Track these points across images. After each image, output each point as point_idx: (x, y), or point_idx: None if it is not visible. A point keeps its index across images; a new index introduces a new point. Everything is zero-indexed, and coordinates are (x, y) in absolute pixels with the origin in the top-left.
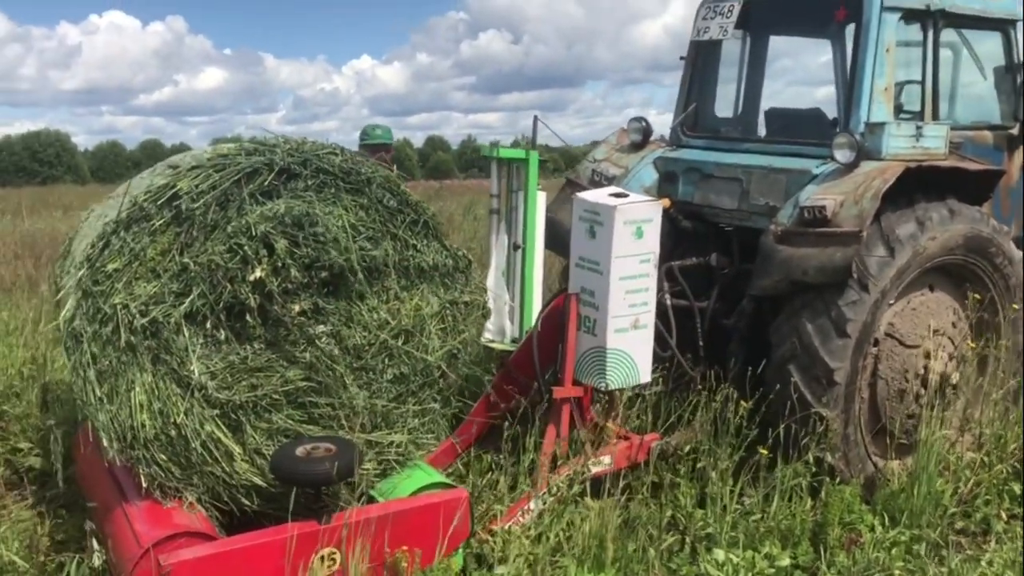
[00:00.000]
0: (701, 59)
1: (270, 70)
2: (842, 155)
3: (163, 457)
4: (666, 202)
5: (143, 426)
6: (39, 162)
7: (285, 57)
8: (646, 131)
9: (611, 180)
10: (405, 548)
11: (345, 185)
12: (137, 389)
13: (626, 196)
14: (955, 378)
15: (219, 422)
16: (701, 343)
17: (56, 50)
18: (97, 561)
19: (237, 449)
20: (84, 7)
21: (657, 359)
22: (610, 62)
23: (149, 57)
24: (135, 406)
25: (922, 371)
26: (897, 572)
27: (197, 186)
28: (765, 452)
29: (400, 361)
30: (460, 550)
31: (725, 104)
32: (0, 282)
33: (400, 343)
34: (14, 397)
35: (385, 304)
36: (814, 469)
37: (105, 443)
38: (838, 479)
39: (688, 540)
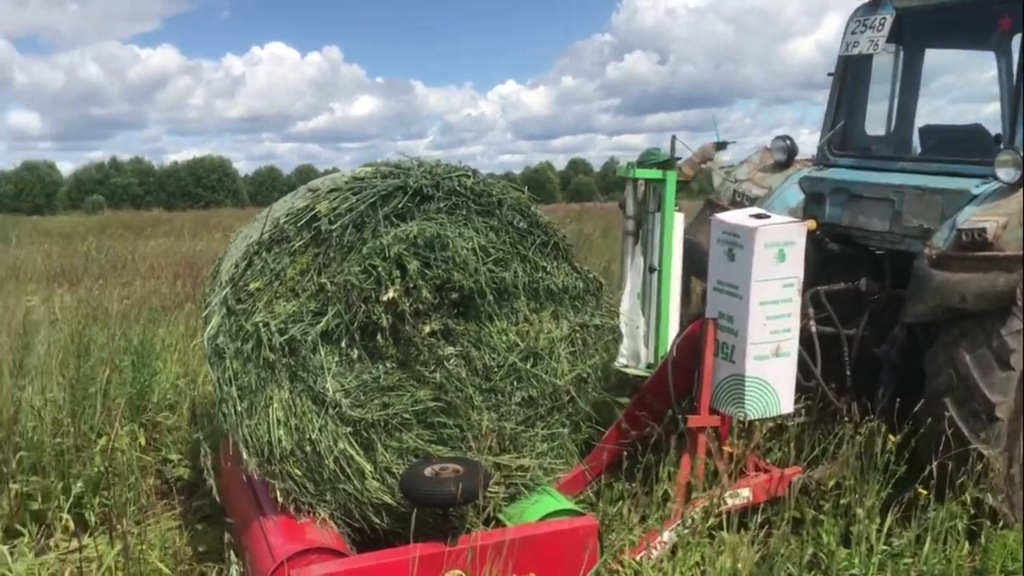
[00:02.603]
0: (850, 75)
1: (419, 97)
2: (1006, 174)
3: (298, 472)
4: (812, 224)
5: (280, 441)
6: (203, 187)
7: (434, 85)
8: (791, 150)
9: (753, 201)
10: (533, 574)
11: (476, 207)
12: (275, 405)
13: (768, 217)
14: None
15: (351, 439)
16: (848, 372)
17: (222, 81)
18: (235, 573)
19: (368, 467)
20: (248, 39)
21: (800, 389)
22: (760, 81)
23: (307, 86)
24: (273, 422)
25: None
26: None
27: (335, 208)
28: (923, 492)
29: (529, 384)
30: None
31: (876, 121)
32: (161, 300)
33: (529, 366)
34: (167, 409)
35: (514, 326)
36: (972, 511)
37: (244, 457)
38: (1000, 523)
39: None
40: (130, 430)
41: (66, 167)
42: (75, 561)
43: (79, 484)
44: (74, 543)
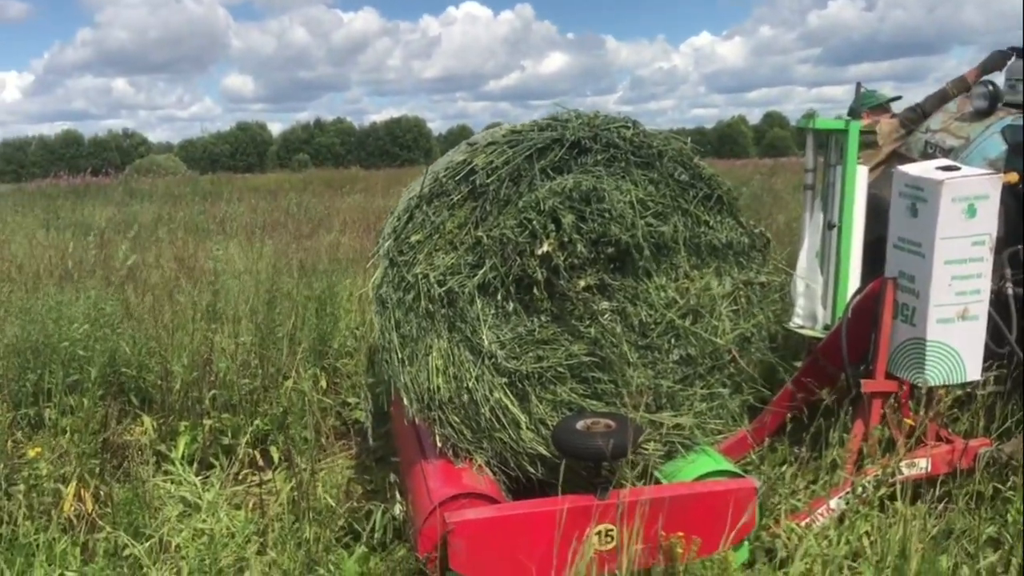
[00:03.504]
0: None
1: (610, 52)
2: None
3: (456, 419)
4: (1012, 177)
5: (438, 389)
6: (399, 146)
7: (625, 38)
8: (993, 96)
9: (947, 152)
10: (682, 534)
11: (635, 159)
12: (434, 354)
13: (957, 169)
14: None
15: (507, 390)
16: None
17: (419, 42)
18: (398, 512)
19: (523, 417)
20: (444, 0)
21: (993, 355)
22: (980, 23)
23: (499, 44)
24: (432, 370)
25: None
26: None
27: (491, 162)
28: None
29: (687, 342)
30: (746, 543)
31: None
32: (348, 252)
33: (688, 323)
34: (346, 356)
35: (673, 282)
36: None
37: (406, 402)
38: None
39: (1015, 562)
40: (312, 374)
41: (276, 128)
42: (257, 493)
43: (264, 422)
44: (257, 477)
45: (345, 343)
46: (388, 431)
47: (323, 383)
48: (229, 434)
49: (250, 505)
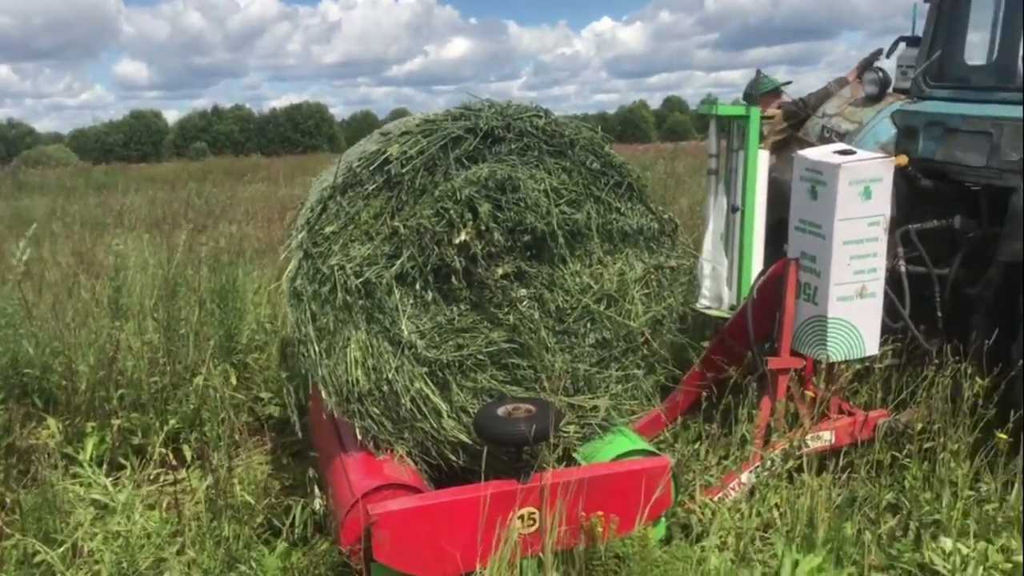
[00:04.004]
0: (949, 1)
1: (513, 37)
2: None
3: (376, 411)
4: (902, 160)
5: (358, 381)
6: (301, 132)
7: (527, 24)
8: (883, 82)
9: (842, 136)
10: (602, 513)
11: (548, 148)
12: (352, 346)
13: (853, 153)
14: None
15: (427, 380)
16: (939, 314)
17: (319, 26)
18: (318, 506)
19: (444, 406)
20: None
21: (888, 330)
22: (868, 10)
23: (401, 29)
24: (351, 362)
25: None
26: None
27: (406, 152)
28: (1004, 436)
29: (602, 326)
30: (663, 519)
31: (976, 51)
32: (253, 244)
33: (602, 307)
34: (257, 350)
35: (588, 268)
36: None
37: (324, 396)
38: None
39: (912, 526)
40: (222, 370)
41: (171, 115)
42: (172, 493)
43: (176, 420)
44: (171, 476)
45: (255, 337)
46: (305, 425)
47: (233, 379)
48: (139, 433)
49: (165, 505)
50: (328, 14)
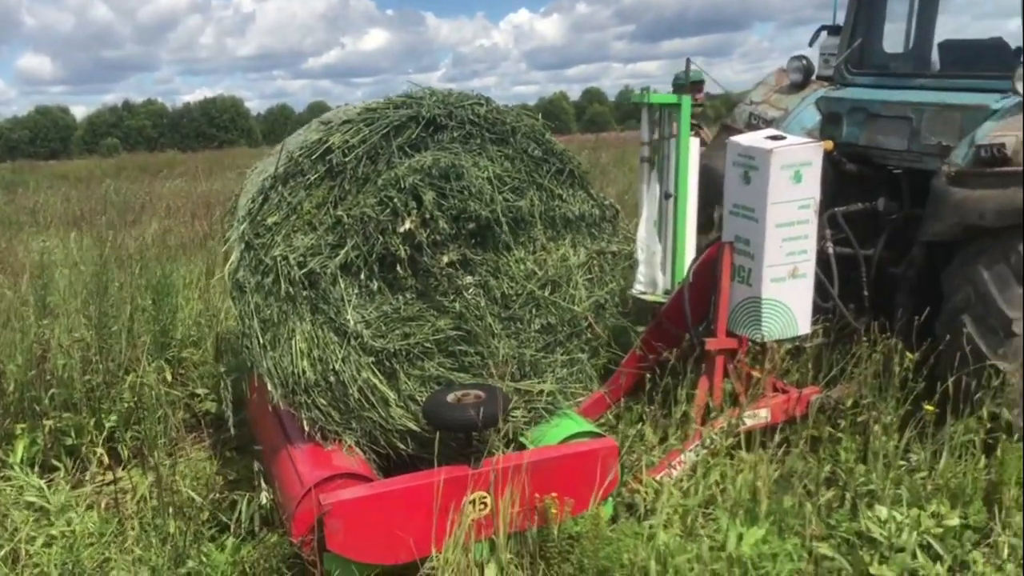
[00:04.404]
0: None
1: (431, 29)
2: None
3: (323, 402)
4: (828, 144)
5: (304, 372)
6: (216, 127)
7: (445, 15)
8: (807, 70)
9: (769, 123)
10: (554, 495)
11: (490, 135)
12: (297, 337)
13: (783, 139)
14: None
15: (374, 369)
16: (866, 293)
17: (232, 18)
18: (265, 499)
19: (392, 395)
20: None
21: (818, 310)
22: (779, 2)
23: (316, 21)
24: (296, 353)
25: None
26: None
27: (347, 141)
28: (931, 408)
29: (547, 311)
30: (610, 499)
31: (894, 39)
32: (179, 239)
33: (547, 293)
34: (191, 346)
35: (532, 255)
36: (989, 425)
37: (270, 388)
38: (1016, 436)
39: (848, 496)
40: (157, 366)
41: (79, 111)
42: (110, 493)
43: (111, 419)
44: (108, 476)
45: (189, 332)
46: (243, 419)
47: (168, 375)
48: (72, 434)
49: (104, 505)
50: (241, 6)
